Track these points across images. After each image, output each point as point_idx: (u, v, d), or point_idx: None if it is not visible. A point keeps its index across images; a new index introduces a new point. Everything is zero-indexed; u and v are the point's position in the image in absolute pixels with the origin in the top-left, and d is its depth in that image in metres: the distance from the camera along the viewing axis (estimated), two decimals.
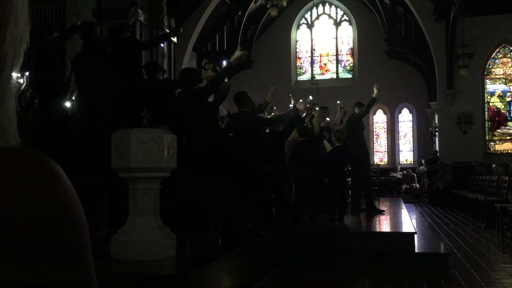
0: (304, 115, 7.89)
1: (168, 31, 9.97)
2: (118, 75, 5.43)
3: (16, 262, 0.47)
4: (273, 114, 8.28)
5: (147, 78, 5.88)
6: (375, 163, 17.96)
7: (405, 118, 19.21)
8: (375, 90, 8.73)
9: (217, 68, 5.94)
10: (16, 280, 0.47)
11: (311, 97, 8.56)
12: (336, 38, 19.86)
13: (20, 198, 0.47)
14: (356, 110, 8.81)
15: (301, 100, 8.42)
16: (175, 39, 11.65)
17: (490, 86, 15.48)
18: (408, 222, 7.54)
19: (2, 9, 0.50)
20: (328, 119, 8.90)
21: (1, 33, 0.49)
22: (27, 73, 6.46)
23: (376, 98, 8.87)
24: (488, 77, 15.41)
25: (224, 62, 5.80)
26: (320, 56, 20.00)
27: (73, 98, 6.35)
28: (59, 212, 0.49)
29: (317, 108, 8.53)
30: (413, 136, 19.08)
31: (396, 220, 8.17)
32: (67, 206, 0.51)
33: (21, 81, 6.47)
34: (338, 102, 9.33)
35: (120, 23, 5.93)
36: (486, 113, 15.31)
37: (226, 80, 5.96)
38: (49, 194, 0.49)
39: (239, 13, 16.97)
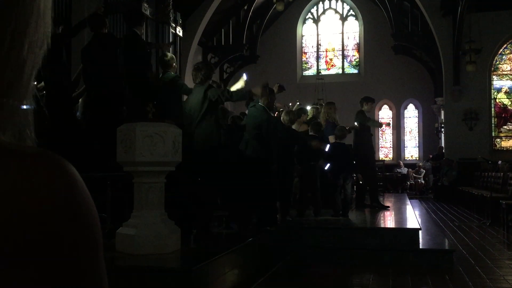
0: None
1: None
2: (126, 69, 5.43)
3: (31, 264, 0.47)
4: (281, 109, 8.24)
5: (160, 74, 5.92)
6: (380, 158, 17.93)
7: (411, 114, 19.14)
8: (383, 125, 9.19)
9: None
10: (27, 281, 0.47)
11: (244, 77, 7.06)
12: (342, 33, 19.79)
13: (37, 204, 0.47)
14: (364, 105, 8.75)
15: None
16: (180, 33, 11.64)
17: (497, 82, 15.39)
18: (413, 218, 7.53)
19: (22, 13, 0.48)
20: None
21: (20, 39, 0.48)
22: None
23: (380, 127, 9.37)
24: (495, 73, 15.32)
25: (244, 75, 5.67)
26: (326, 51, 19.94)
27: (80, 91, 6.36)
28: (76, 219, 0.49)
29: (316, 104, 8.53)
30: (418, 132, 19.02)
31: (400, 216, 8.15)
32: (83, 213, 0.50)
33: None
34: None
35: (139, 12, 5.90)
36: (493, 109, 15.23)
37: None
38: (66, 200, 0.49)
39: (245, 7, 16.92)
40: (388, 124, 8.52)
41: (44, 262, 0.47)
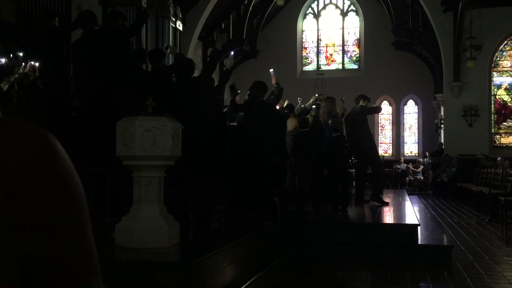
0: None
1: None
2: (109, 64, 5.43)
3: (15, 227, 0.47)
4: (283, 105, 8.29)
5: (153, 67, 5.89)
6: (380, 154, 17.89)
7: (411, 110, 19.13)
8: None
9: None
10: (15, 244, 0.47)
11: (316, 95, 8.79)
12: (343, 28, 19.74)
13: (14, 166, 0.47)
14: (361, 102, 8.74)
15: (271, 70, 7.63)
16: (180, 28, 11.61)
17: (497, 79, 15.38)
18: (412, 214, 7.54)
19: None
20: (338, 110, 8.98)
21: None
22: (32, 62, 6.48)
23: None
24: (495, 69, 15.31)
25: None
26: (326, 46, 19.90)
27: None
28: (54, 178, 0.50)
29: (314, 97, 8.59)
30: (418, 128, 19.01)
31: (399, 212, 8.16)
32: (62, 173, 0.51)
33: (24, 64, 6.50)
34: (343, 98, 9.41)
35: (116, 11, 5.93)
36: (493, 106, 15.24)
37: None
38: (43, 161, 0.49)
39: (246, 1, 16.88)
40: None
41: (24, 212, 0.48)
